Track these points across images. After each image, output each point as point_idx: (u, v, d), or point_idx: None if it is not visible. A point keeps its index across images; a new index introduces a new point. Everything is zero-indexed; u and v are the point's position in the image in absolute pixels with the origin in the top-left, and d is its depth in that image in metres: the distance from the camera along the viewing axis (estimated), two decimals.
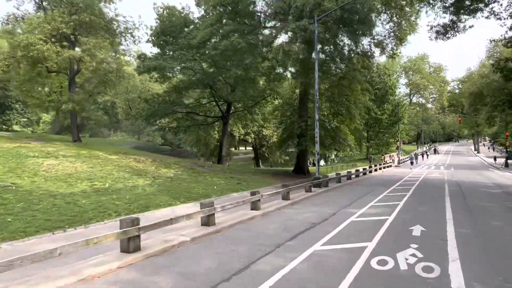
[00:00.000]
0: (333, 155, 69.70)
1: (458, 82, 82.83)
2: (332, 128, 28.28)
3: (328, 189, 18.77)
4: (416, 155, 71.21)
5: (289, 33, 22.16)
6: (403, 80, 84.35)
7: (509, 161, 39.13)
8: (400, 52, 27.66)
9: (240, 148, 77.84)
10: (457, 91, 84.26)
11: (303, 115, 28.05)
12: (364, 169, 29.00)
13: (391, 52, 28.71)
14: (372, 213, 11.81)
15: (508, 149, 38.94)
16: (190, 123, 36.93)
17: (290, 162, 54.28)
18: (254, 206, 11.77)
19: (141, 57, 31.28)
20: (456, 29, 19.65)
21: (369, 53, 24.72)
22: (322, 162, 61.19)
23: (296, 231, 9.16)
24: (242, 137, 51.79)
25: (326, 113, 29.30)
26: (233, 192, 18.34)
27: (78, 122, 67.56)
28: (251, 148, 63.57)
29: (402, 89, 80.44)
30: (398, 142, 45.77)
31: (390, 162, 43.06)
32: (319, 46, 22.95)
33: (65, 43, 24.41)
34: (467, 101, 45.34)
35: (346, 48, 23.46)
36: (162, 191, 16.22)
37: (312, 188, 17.42)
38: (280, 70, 25.55)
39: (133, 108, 46.29)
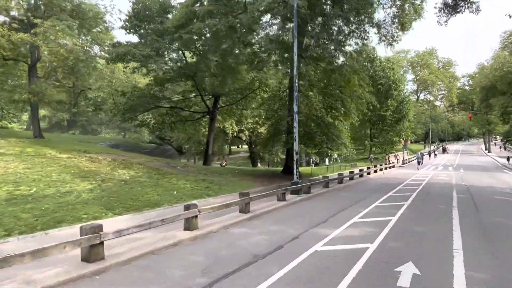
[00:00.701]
0: (335, 154, 66.31)
1: (468, 78, 78.62)
2: (325, 124, 24.98)
3: (308, 197, 15.54)
4: (422, 154, 67.51)
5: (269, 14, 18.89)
6: (410, 76, 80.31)
7: None
8: (400, 40, 23.94)
9: (244, 146, 74.41)
10: (467, 87, 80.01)
11: (291, 109, 24.74)
12: (360, 170, 25.58)
13: (391, 39, 25.07)
14: (350, 236, 8.58)
15: None
16: (175, 119, 33.88)
17: None
18: (189, 225, 8.63)
19: (116, 45, 28.33)
20: None
21: (364, 37, 21.21)
22: (326, 161, 57.75)
23: (220, 273, 5.99)
24: (235, 134, 48.60)
25: (318, 107, 25.95)
26: (196, 198, 15.25)
27: (69, 118, 65.12)
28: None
29: (409, 86, 76.43)
30: (403, 141, 42.26)
31: (393, 162, 39.55)
32: (305, 28, 19.69)
33: (17, 27, 21.50)
34: (479, 96, 41.51)
35: (337, 29, 20.01)
36: (100, 198, 13.17)
37: (287, 196, 14.21)
38: (263, 55, 22.30)
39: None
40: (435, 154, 63.52)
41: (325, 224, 9.94)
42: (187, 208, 8.61)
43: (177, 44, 24.59)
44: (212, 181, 19.70)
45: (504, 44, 35.61)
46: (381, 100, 50.10)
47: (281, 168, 29.52)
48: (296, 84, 15.96)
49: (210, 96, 31.86)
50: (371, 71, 49.82)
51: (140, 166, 20.15)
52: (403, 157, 43.30)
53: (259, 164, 56.60)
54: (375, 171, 29.23)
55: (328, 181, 18.81)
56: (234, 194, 15.89)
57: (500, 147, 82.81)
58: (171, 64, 27.80)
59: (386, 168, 33.43)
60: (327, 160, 60.98)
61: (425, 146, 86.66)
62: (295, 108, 15.91)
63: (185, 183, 18.26)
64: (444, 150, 75.10)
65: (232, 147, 75.35)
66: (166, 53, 25.43)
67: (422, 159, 46.81)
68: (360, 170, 25.78)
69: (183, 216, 8.31)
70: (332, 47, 20.36)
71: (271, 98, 28.99)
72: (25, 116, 57.63)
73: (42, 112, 57.32)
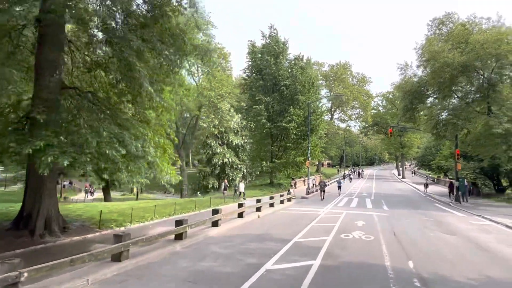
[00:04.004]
0: (237, 178, 52.64)
1: (382, 98, 73.81)
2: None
3: None
4: (344, 177, 58.28)
5: None
6: (324, 92, 72.31)
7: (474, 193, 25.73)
8: None
9: None
10: (380, 108, 75.21)
11: None
12: (179, 223, 10.88)
13: None
14: None
15: (460, 178, 25.37)
16: None
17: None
18: None
19: None
20: None
21: None
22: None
23: None
24: None
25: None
26: None
27: None
28: None
29: (324, 102, 68.01)
30: (307, 162, 30.47)
31: (291, 193, 26.73)
32: None
33: None
34: (401, 105, 31.92)
35: None
36: None
37: None
38: None
39: None
40: (350, 179, 56.87)
41: None
42: None
43: None
44: None
45: (434, 31, 26.20)
46: (285, 108, 38.39)
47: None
48: None
49: None
50: (274, 68, 38.11)
51: None
52: (308, 184, 31.06)
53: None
54: (240, 215, 15.31)
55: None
56: None
57: (412, 172, 78.98)
58: None
59: (272, 205, 20.04)
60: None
61: (338, 171, 79.09)
62: None
63: None
64: (359, 175, 69.45)
65: None
66: None
67: (341, 182, 36.09)
68: (178, 225, 11.21)
69: None
70: None
71: None
72: None
73: None
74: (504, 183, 35.72)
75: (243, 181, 28.56)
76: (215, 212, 12.85)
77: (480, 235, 12.95)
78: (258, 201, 18.03)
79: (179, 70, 13.20)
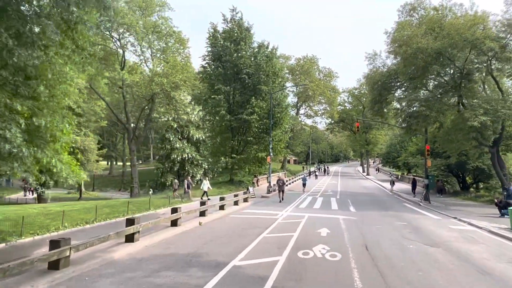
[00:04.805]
0: (198, 175, 48.70)
1: (348, 94, 72.90)
2: None
3: None
4: (310, 174, 56.61)
5: None
6: (290, 85, 70.04)
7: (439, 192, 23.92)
8: None
9: None
10: (347, 104, 74.30)
11: None
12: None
13: None
14: None
15: (430, 175, 23.57)
16: None
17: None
18: None
19: None
20: None
21: None
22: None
23: None
24: None
25: None
26: None
27: None
28: None
29: (290, 98, 65.54)
30: (268, 158, 27.51)
31: (250, 192, 23.71)
32: None
33: None
34: (369, 97, 29.76)
35: None
36: None
37: None
38: None
39: None
40: (316, 176, 55.36)
41: None
42: None
43: None
44: None
45: (405, 17, 24.02)
46: (247, 99, 35.18)
47: None
48: None
49: None
50: (235, 55, 34.70)
51: None
52: (269, 183, 28.10)
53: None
54: (174, 223, 11.90)
55: None
56: None
57: (376, 169, 79.14)
58: None
59: (222, 208, 16.77)
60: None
61: (303, 168, 77.44)
62: None
63: None
64: (325, 171, 68.65)
65: None
66: None
67: (307, 179, 34.87)
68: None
69: None
70: None
71: None
72: None
73: None
74: (469, 180, 34.98)
75: (207, 178, 24.98)
76: (130, 222, 9.34)
77: (468, 246, 10.49)
78: (203, 203, 14.67)
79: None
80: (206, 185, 23.41)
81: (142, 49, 37.83)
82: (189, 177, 27.35)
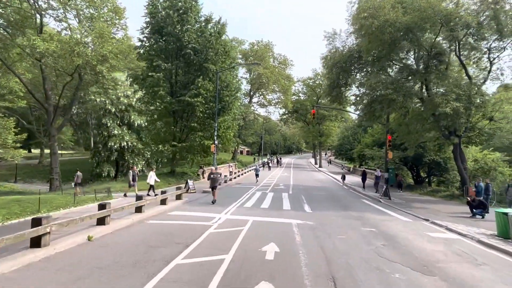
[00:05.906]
0: (139, 165, 42.96)
1: (303, 85, 70.78)
2: None
3: None
4: (263, 164, 54.02)
5: None
6: (243, 72, 66.13)
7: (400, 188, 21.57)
8: None
9: None
10: (301, 95, 72.21)
11: None
12: None
13: None
14: None
15: (390, 168, 21.17)
16: None
17: None
18: None
19: None
20: None
21: None
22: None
23: None
24: None
25: None
26: None
27: None
28: None
29: (243, 86, 61.33)
30: (213, 146, 23.39)
31: (181, 190, 19.55)
32: None
33: None
34: (327, 81, 26.70)
35: None
36: None
37: None
38: None
39: None
40: (269, 167, 53.43)
41: None
42: None
43: None
44: None
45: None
46: (193, 79, 30.50)
47: None
48: None
49: None
50: (178, 27, 29.70)
51: None
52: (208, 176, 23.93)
53: None
54: (35, 242, 7.49)
55: None
56: None
57: (328, 162, 78.68)
58: None
59: (140, 210, 12.45)
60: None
61: (255, 159, 74.42)
62: None
63: None
64: (278, 163, 67.71)
65: None
66: None
67: (259, 170, 33.53)
68: None
69: None
70: None
71: None
72: None
73: None
74: (423, 174, 33.94)
75: (153, 169, 20.27)
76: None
77: (470, 270, 7.41)
78: (102, 206, 10.19)
79: None
80: (152, 177, 19.07)
81: (66, 15, 31.27)
82: (134, 167, 22.44)
